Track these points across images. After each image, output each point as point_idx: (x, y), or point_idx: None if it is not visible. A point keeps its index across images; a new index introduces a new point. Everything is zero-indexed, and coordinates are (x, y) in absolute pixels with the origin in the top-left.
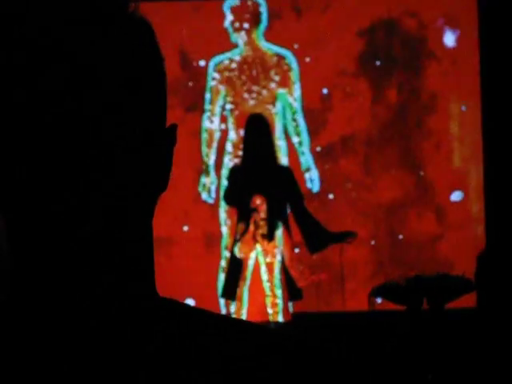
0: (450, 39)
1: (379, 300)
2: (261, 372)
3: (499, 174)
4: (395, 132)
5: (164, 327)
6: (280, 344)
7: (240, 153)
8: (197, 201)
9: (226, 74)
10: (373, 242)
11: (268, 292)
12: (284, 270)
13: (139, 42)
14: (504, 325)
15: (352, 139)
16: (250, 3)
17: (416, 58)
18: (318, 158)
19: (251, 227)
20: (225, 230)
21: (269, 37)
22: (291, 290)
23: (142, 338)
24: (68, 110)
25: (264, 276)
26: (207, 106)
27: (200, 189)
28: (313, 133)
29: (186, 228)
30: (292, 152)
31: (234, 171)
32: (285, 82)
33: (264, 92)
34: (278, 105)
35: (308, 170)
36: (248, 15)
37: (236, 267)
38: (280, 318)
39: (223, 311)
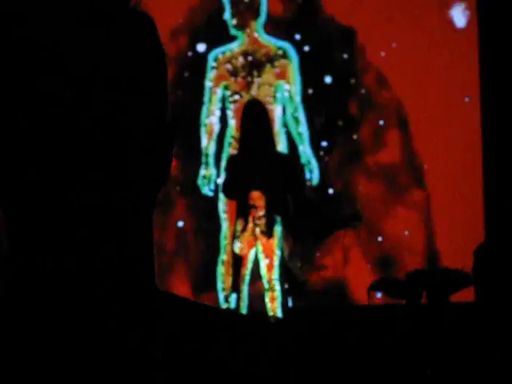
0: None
1: (379, 294)
2: (260, 367)
3: (498, 167)
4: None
5: (165, 323)
6: (279, 339)
7: (240, 144)
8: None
9: (226, 66)
10: (380, 239)
11: (267, 287)
12: (283, 265)
13: (141, 39)
14: (502, 319)
15: None
16: None
17: None
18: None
19: (250, 224)
20: (224, 224)
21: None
22: (290, 285)
23: (143, 335)
24: (68, 108)
25: (263, 271)
26: (207, 98)
27: (199, 182)
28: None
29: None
30: (292, 145)
31: (233, 163)
32: (284, 74)
33: (264, 84)
34: (278, 97)
35: (308, 163)
36: (247, 7)
37: (236, 262)
38: (279, 313)
39: (223, 306)
